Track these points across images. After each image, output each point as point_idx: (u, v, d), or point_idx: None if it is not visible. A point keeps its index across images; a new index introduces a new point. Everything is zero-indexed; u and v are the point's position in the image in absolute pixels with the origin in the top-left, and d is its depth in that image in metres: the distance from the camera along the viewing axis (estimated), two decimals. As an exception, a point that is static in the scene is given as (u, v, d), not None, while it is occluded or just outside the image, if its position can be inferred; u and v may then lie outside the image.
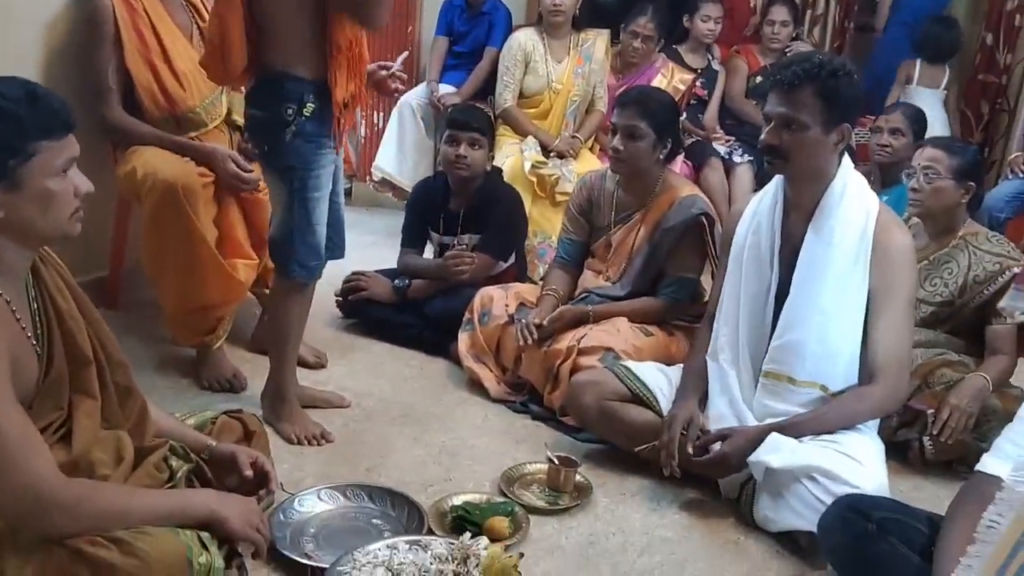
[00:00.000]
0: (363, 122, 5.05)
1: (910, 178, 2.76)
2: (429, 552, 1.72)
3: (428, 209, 3.32)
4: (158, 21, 2.71)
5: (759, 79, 4.47)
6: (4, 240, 1.43)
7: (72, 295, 1.59)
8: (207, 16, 2.86)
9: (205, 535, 1.52)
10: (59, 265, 1.62)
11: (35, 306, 1.52)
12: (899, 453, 2.55)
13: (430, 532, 1.96)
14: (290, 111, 2.21)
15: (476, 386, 2.86)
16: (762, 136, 2.19)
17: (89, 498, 1.42)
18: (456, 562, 1.68)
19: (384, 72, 2.44)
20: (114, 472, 1.55)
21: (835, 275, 2.19)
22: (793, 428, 2.15)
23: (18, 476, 1.35)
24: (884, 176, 3.58)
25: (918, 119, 3.57)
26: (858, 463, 2.04)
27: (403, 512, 2.07)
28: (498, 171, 3.47)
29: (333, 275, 3.60)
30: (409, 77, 4.84)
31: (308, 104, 2.22)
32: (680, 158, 4.18)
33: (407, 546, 1.75)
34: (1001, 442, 1.56)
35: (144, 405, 1.71)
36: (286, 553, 1.88)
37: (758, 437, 2.13)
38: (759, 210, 2.35)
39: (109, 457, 1.57)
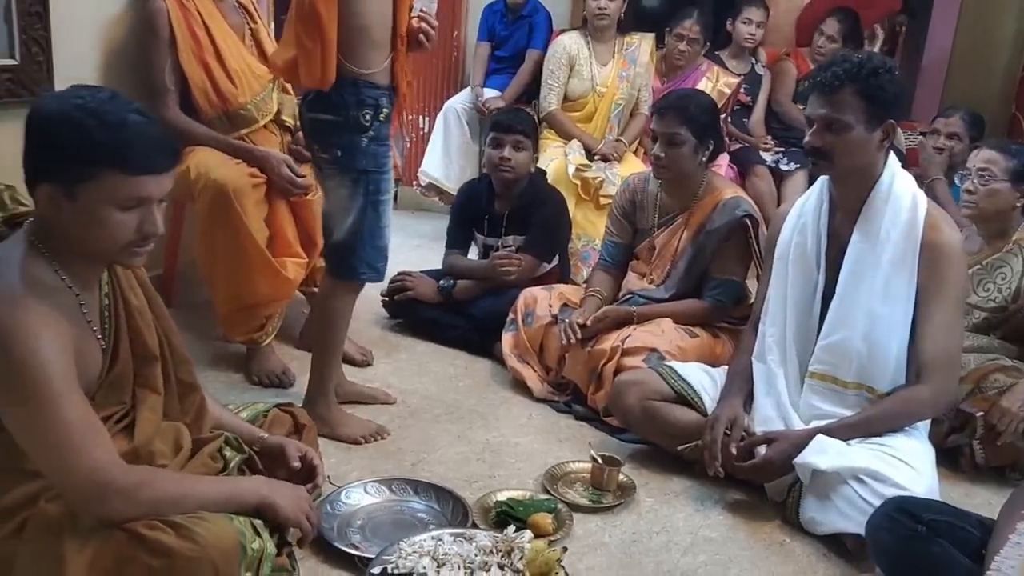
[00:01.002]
0: (408, 127, 5.11)
1: (964, 180, 2.72)
2: (474, 544, 1.73)
3: (473, 211, 3.35)
4: (211, 22, 2.78)
5: (807, 83, 4.43)
6: (69, 247, 1.46)
7: (144, 293, 1.64)
8: (258, 17, 2.94)
9: (258, 522, 1.55)
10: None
11: (106, 302, 1.56)
12: (950, 459, 2.52)
13: (474, 527, 1.98)
14: (367, 116, 2.23)
15: (520, 386, 2.87)
16: (806, 139, 2.18)
17: (147, 483, 1.46)
18: (500, 554, 1.69)
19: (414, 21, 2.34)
20: (172, 462, 1.60)
21: (882, 274, 2.17)
22: (840, 431, 2.13)
23: (80, 462, 1.39)
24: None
25: (976, 123, 3.51)
26: (907, 465, 2.02)
27: (448, 507, 2.09)
28: (542, 173, 3.49)
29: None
30: (453, 82, 4.91)
31: (384, 109, 2.25)
32: (726, 163, 4.17)
33: (452, 538, 1.77)
34: None
35: (203, 400, 1.76)
36: (334, 543, 1.91)
37: (803, 442, 2.12)
38: (804, 210, 2.33)
39: (168, 448, 1.62)
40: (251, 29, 2.89)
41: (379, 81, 2.24)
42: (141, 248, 1.48)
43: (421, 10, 2.32)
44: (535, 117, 3.88)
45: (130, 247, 1.46)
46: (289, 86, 2.94)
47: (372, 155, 2.28)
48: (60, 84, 2.61)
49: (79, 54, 2.74)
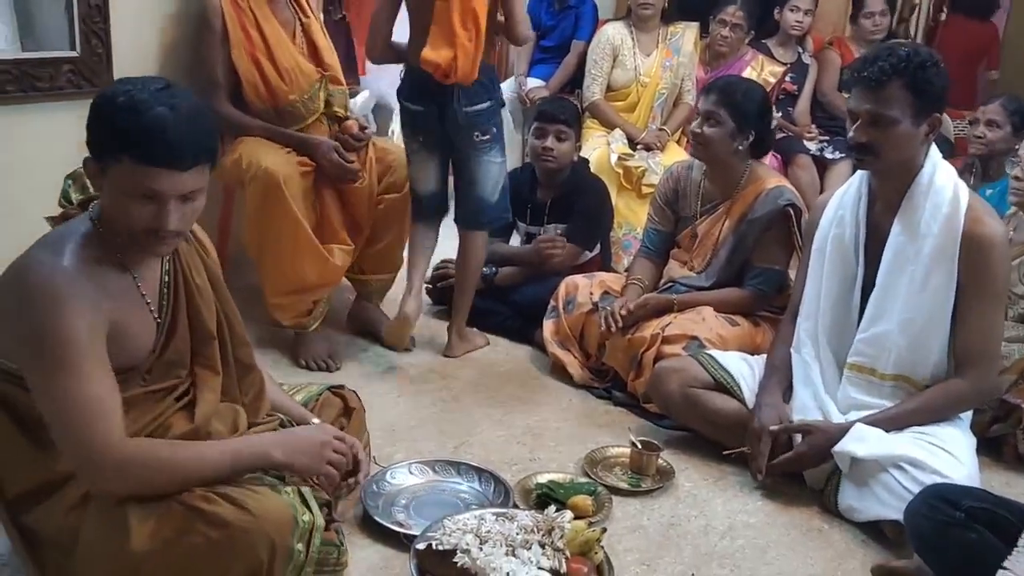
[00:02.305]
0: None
1: (1013, 167, 2.69)
2: (515, 523, 1.77)
3: (516, 199, 3.36)
4: (263, 19, 2.83)
5: (850, 75, 4.37)
6: (115, 228, 1.52)
7: (208, 275, 1.71)
8: (311, 14, 2.97)
9: (307, 492, 1.61)
10: (203, 244, 1.75)
11: (166, 279, 1.63)
12: (993, 449, 2.51)
13: (515, 507, 2.02)
14: (500, 95, 2.87)
15: (560, 372, 2.91)
16: (850, 134, 2.16)
17: (139, 460, 1.48)
18: (541, 533, 1.73)
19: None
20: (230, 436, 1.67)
21: (922, 267, 2.16)
22: (878, 424, 2.14)
23: (80, 433, 1.43)
24: (986, 169, 3.49)
25: (1019, 110, 3.46)
26: (947, 453, 2.02)
27: (489, 488, 2.14)
28: (585, 162, 3.51)
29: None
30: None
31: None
32: (770, 151, 4.15)
33: (494, 517, 1.81)
34: None
35: (262, 383, 1.82)
36: (379, 520, 1.97)
37: (837, 436, 2.13)
38: (844, 202, 2.33)
39: (226, 428, 1.69)
40: (302, 26, 2.94)
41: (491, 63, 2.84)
42: (164, 239, 1.50)
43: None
44: (579, 106, 3.90)
45: (149, 236, 1.49)
46: (341, 78, 2.98)
47: (502, 128, 2.92)
48: (119, 77, 2.69)
49: (138, 48, 2.83)
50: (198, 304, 1.66)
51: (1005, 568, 1.19)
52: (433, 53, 2.61)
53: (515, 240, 3.51)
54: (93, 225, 1.53)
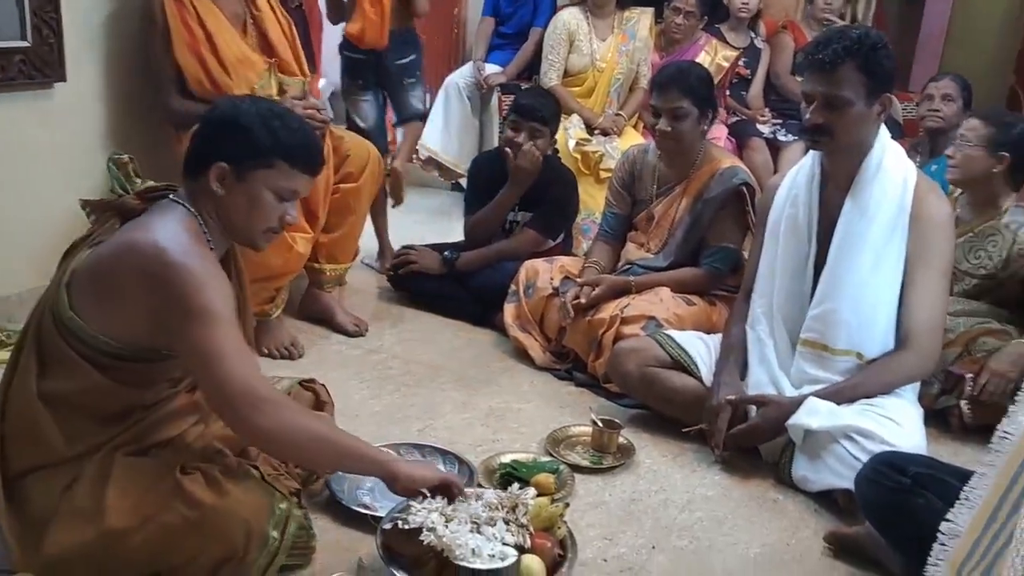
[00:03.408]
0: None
1: (951, 147, 2.78)
2: (481, 501, 1.81)
3: (487, 185, 3.37)
4: (205, 13, 2.76)
5: (803, 58, 4.44)
6: (214, 221, 1.66)
7: (239, 277, 1.84)
8: (263, 7, 2.90)
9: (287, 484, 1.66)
10: None
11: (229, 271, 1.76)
12: (941, 421, 2.60)
13: (479, 487, 2.05)
14: (421, 48, 4.02)
15: (522, 355, 2.95)
16: (805, 116, 2.21)
17: (291, 406, 1.60)
18: (505, 509, 1.77)
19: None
20: (217, 421, 1.72)
21: (872, 245, 2.23)
22: (829, 397, 2.20)
23: (237, 371, 1.52)
24: (933, 146, 3.59)
25: (967, 86, 3.57)
26: (895, 423, 2.10)
27: (453, 468, 2.16)
28: (555, 152, 3.52)
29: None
30: (454, 58, 4.95)
31: None
32: (724, 135, 4.23)
33: (459, 496, 1.84)
34: None
35: None
36: (344, 503, 1.99)
37: (791, 409, 2.19)
38: (796, 182, 2.39)
39: None
40: (254, 19, 2.87)
41: None
42: (275, 234, 1.72)
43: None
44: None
45: (268, 232, 1.70)
46: (296, 69, 2.94)
47: None
48: (71, 67, 2.67)
49: (90, 39, 2.79)
50: (247, 295, 1.81)
51: (948, 520, 1.25)
52: (351, 26, 3.70)
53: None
54: (189, 213, 1.63)
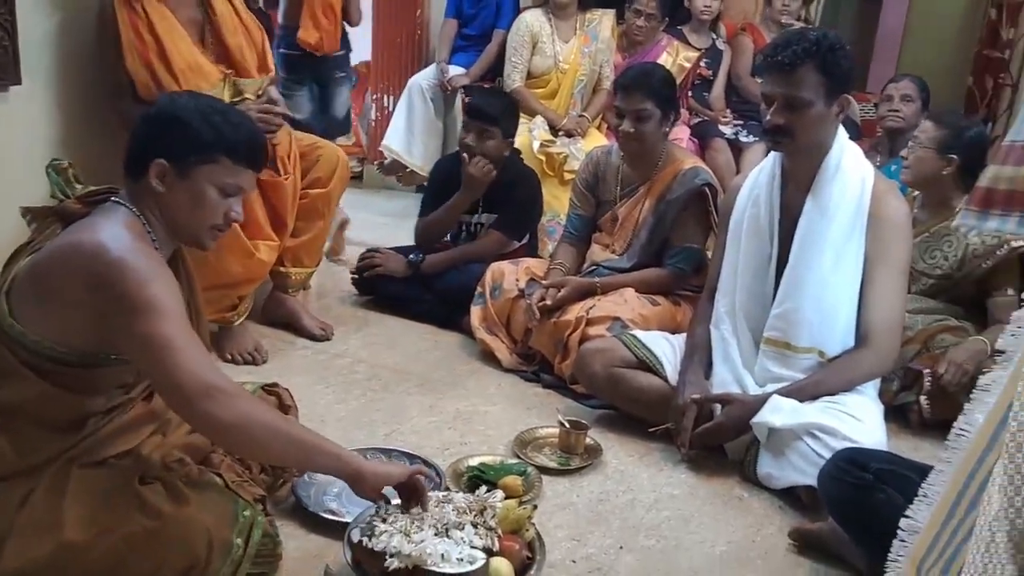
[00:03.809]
0: (373, 105, 5.14)
1: (909, 149, 2.83)
2: (449, 505, 1.80)
3: (449, 187, 3.36)
4: (158, 20, 2.67)
5: (762, 60, 4.48)
6: (158, 220, 1.62)
7: (188, 277, 1.80)
8: (220, 11, 2.78)
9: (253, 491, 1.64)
10: None
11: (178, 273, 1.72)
12: (900, 417, 2.64)
13: (448, 491, 2.05)
14: (349, 44, 4.30)
15: (489, 357, 2.95)
16: (767, 117, 2.23)
17: (245, 396, 1.54)
18: (474, 513, 1.76)
19: None
20: (177, 431, 1.69)
21: (832, 244, 2.26)
22: (791, 395, 2.23)
23: (188, 362, 1.47)
24: (892, 146, 3.65)
25: (925, 87, 3.64)
26: (856, 420, 2.13)
27: (421, 473, 2.16)
28: (518, 153, 3.52)
29: (350, 254, 3.72)
30: (417, 60, 4.94)
31: None
32: (686, 136, 4.26)
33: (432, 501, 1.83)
34: None
35: None
36: (310, 510, 1.98)
37: (755, 407, 2.22)
38: (758, 183, 2.42)
39: (175, 419, 1.72)
40: (212, 24, 2.77)
41: None
42: (220, 232, 1.69)
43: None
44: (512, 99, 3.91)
45: (213, 229, 1.67)
46: (254, 72, 2.86)
47: None
48: (27, 71, 2.61)
49: (45, 42, 2.73)
50: (199, 300, 1.77)
51: (907, 516, 1.27)
52: (307, 35, 3.97)
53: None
54: (131, 213, 1.60)
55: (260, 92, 2.82)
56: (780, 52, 2.18)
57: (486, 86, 4.32)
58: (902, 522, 1.27)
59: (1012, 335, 1.05)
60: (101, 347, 1.56)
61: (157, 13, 2.68)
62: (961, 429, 1.15)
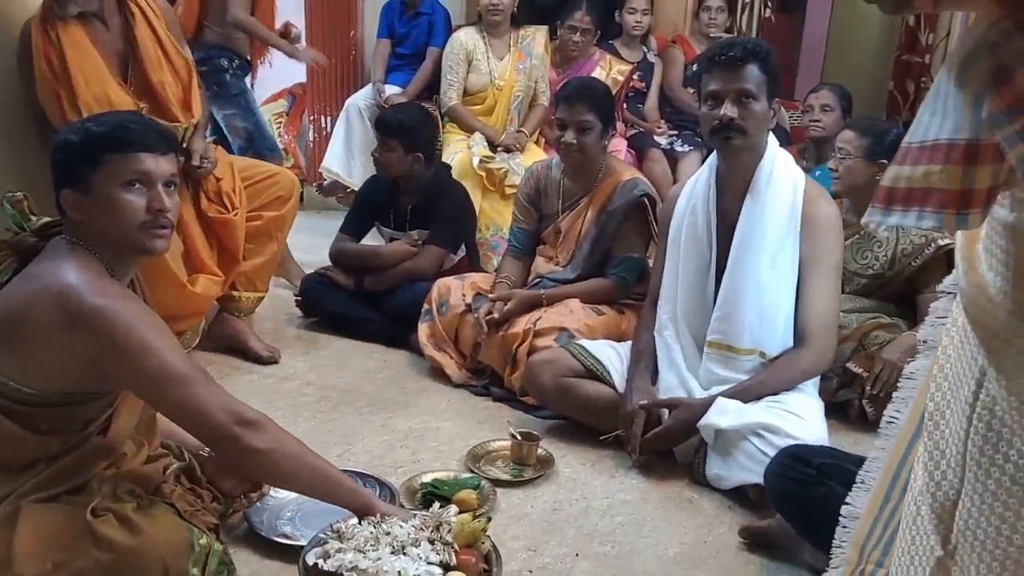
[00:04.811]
0: (311, 126, 5.12)
1: (833, 158, 2.93)
2: (405, 526, 1.80)
3: (378, 204, 3.41)
4: (69, 48, 2.57)
5: (695, 67, 4.61)
6: (103, 247, 1.60)
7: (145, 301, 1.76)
8: (145, 46, 2.69)
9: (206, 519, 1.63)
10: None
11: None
12: (840, 413, 2.72)
13: (401, 508, 2.05)
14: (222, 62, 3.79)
15: (438, 373, 2.96)
16: (718, 112, 2.28)
17: (271, 423, 1.59)
18: (430, 529, 1.77)
19: None
20: (130, 462, 1.69)
21: (769, 247, 2.33)
22: (735, 396, 2.29)
23: (212, 398, 1.51)
24: (818, 152, 3.77)
25: (845, 95, 3.78)
26: (798, 417, 2.19)
27: (374, 491, 2.14)
28: (446, 167, 3.56)
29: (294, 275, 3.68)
30: (353, 80, 4.94)
31: None
32: (624, 147, 4.34)
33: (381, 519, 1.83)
34: None
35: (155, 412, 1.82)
36: (264, 535, 1.96)
37: (701, 410, 2.27)
38: (695, 192, 2.48)
39: (131, 453, 1.71)
40: (136, 58, 2.69)
41: None
42: (157, 229, 1.62)
43: None
44: (430, 111, 3.95)
45: (146, 228, 1.61)
46: (181, 114, 2.75)
47: None
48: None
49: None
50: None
51: (848, 503, 1.33)
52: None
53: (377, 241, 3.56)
54: (76, 246, 1.58)
55: (183, 141, 2.72)
56: (726, 52, 2.29)
57: (425, 104, 4.34)
58: (843, 509, 1.32)
59: (931, 325, 1.11)
60: (91, 385, 1.56)
61: (70, 41, 2.59)
62: (891, 417, 1.20)
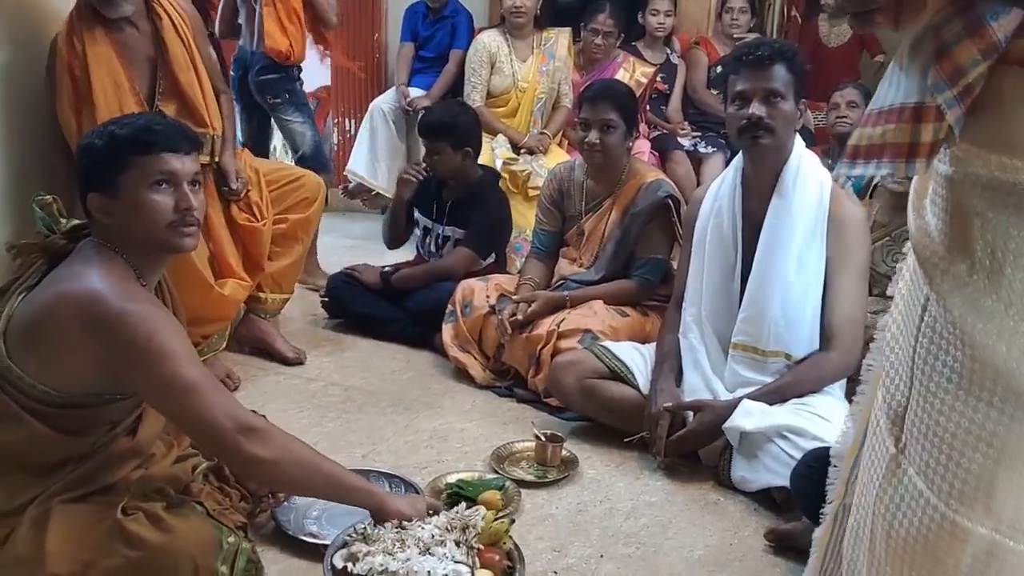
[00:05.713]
0: (335, 129, 5.15)
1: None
2: (431, 524, 1.81)
3: (423, 194, 3.41)
4: (95, 65, 2.55)
5: (719, 68, 4.59)
6: (132, 249, 1.62)
7: (173, 304, 1.80)
8: (174, 49, 2.67)
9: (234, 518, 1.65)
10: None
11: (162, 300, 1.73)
12: (866, 415, 2.69)
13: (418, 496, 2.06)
14: (294, 71, 3.90)
15: (462, 374, 2.97)
16: (749, 111, 2.28)
17: (277, 429, 1.61)
18: (456, 531, 1.78)
19: None
20: (159, 463, 1.70)
21: (795, 248, 2.32)
22: (760, 399, 2.28)
23: (218, 404, 1.52)
24: (843, 151, 3.74)
25: (868, 94, 3.75)
26: (825, 420, 2.18)
27: (400, 491, 2.15)
28: (495, 174, 3.56)
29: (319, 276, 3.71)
30: (377, 83, 4.97)
31: None
32: (647, 149, 4.33)
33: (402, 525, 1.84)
34: None
35: None
36: (291, 534, 1.98)
37: (726, 412, 2.26)
38: (720, 194, 2.48)
39: (160, 453, 1.74)
40: (165, 62, 2.66)
41: None
42: (185, 227, 1.64)
43: None
44: (465, 102, 3.96)
45: (174, 227, 1.63)
46: (207, 118, 2.73)
47: None
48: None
49: (7, 78, 2.69)
50: (183, 324, 1.75)
51: (837, 444, 1.42)
52: (271, 41, 3.63)
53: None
54: (105, 249, 1.60)
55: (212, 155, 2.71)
56: (752, 51, 2.30)
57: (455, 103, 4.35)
58: (832, 449, 1.42)
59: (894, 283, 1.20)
60: (109, 387, 1.57)
61: (95, 55, 2.56)
62: (867, 365, 1.28)
